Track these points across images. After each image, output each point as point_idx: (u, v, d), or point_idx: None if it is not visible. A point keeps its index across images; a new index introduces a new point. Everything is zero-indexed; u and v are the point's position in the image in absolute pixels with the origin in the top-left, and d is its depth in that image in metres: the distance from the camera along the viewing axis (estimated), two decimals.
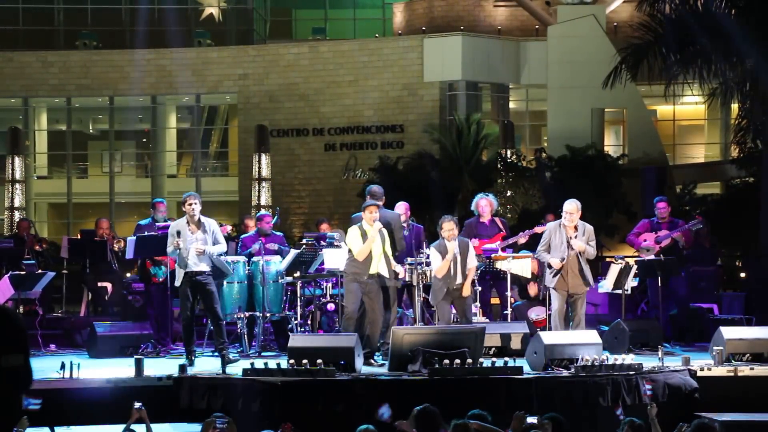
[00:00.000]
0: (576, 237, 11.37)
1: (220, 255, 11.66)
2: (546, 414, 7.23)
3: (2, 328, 2.67)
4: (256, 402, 9.46)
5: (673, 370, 10.23)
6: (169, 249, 11.38)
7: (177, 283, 11.35)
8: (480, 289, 12.75)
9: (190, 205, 11.33)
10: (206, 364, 10.98)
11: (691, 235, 13.69)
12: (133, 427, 7.41)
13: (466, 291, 11.32)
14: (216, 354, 11.40)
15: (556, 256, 11.38)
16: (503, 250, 13.05)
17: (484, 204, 13.27)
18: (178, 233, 11.22)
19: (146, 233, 12.69)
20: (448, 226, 11.25)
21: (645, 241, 13.57)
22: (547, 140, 28.91)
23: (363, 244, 10.98)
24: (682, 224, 13.64)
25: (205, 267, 11.29)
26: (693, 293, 14.50)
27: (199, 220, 11.35)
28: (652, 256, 13.28)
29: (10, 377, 2.64)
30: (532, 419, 7.25)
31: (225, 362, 10.24)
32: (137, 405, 7.41)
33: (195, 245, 11.17)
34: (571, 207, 11.48)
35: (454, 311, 11.47)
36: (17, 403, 2.68)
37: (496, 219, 13.46)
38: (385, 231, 11.13)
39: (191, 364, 10.87)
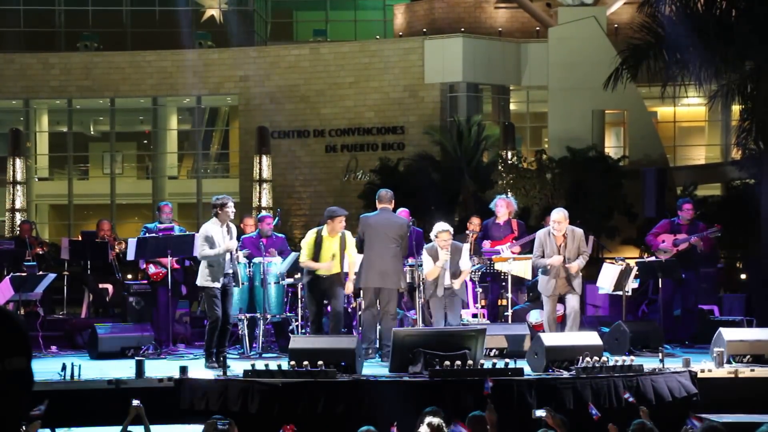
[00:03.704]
0: (566, 245, 11.34)
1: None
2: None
3: (5, 330, 2.69)
4: (257, 403, 9.46)
5: (673, 372, 10.23)
6: (219, 251, 11.07)
7: (205, 283, 11.12)
8: (480, 290, 12.76)
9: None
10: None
11: (710, 242, 13.60)
12: (130, 427, 7.42)
13: (456, 285, 11.32)
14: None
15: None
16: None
17: (501, 204, 13.34)
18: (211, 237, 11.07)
19: (147, 235, 12.71)
20: (442, 236, 11.27)
21: (663, 242, 13.49)
22: (547, 142, 28.91)
23: (309, 251, 11.31)
24: (702, 227, 13.47)
25: (230, 270, 11.27)
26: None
27: (228, 225, 11.30)
28: (661, 258, 13.22)
29: (15, 380, 2.67)
30: (540, 412, 7.25)
31: (225, 365, 10.21)
32: (135, 402, 7.42)
33: (241, 253, 11.30)
34: (559, 216, 11.43)
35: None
36: (22, 407, 2.71)
37: (513, 221, 13.46)
38: (348, 239, 11.28)
39: (221, 366, 10.66)
